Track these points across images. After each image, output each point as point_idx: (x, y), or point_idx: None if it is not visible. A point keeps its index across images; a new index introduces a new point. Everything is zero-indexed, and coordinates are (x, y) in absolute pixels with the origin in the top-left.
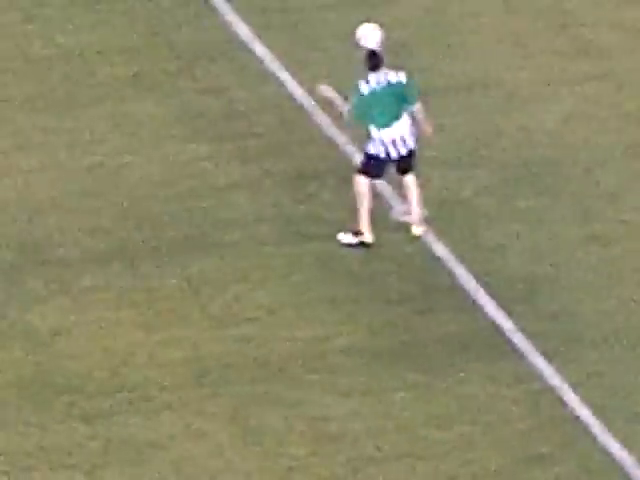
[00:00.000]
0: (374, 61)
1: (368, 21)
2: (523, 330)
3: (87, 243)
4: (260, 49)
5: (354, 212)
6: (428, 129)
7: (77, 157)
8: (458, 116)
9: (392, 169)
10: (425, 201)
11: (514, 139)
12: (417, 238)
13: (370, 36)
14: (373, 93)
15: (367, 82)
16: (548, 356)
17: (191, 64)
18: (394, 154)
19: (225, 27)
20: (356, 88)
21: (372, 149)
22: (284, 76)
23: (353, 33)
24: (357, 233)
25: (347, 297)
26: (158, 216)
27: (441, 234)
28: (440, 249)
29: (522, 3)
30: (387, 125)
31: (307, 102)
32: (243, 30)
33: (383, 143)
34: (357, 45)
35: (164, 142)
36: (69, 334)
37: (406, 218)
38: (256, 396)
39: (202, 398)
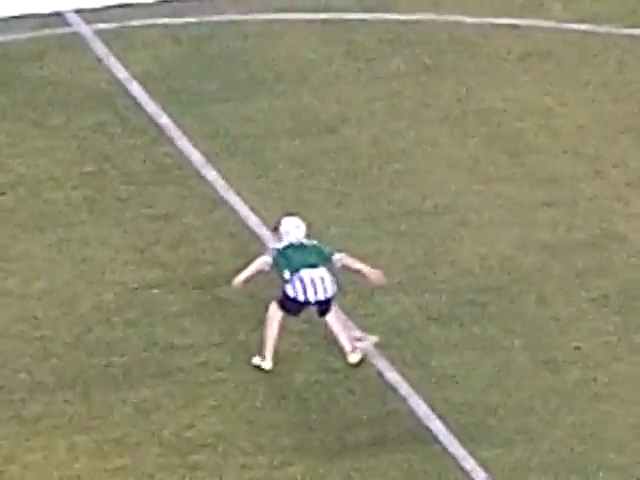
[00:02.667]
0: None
1: (317, 148)
2: (475, 457)
3: (38, 370)
4: (212, 175)
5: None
6: (373, 274)
7: (27, 284)
8: (411, 242)
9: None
10: (377, 327)
11: (466, 265)
12: (371, 365)
13: (292, 233)
14: (289, 246)
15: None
16: None
17: (142, 190)
18: (314, 297)
19: (177, 153)
20: (271, 248)
21: (290, 291)
22: (236, 202)
23: (304, 159)
24: (260, 356)
25: (300, 424)
26: (110, 342)
27: (393, 360)
28: (392, 376)
29: (477, 129)
30: (305, 266)
31: (259, 229)
32: (195, 156)
33: (302, 282)
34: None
35: (115, 268)
36: (21, 462)
37: (356, 344)
38: None
39: None
